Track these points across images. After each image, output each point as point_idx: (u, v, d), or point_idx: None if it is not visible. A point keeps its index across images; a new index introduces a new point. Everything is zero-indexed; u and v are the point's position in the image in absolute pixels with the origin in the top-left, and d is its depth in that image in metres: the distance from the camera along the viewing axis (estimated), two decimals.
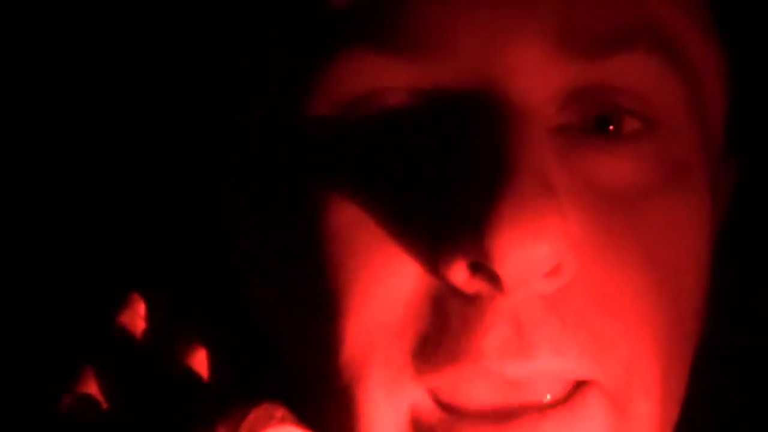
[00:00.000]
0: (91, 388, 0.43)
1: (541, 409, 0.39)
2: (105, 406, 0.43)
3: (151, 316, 0.45)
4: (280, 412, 0.39)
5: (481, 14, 0.40)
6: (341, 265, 0.40)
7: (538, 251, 0.36)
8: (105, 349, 0.44)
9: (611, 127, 0.41)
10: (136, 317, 0.45)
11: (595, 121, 0.41)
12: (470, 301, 0.38)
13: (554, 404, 0.39)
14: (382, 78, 0.41)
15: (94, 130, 0.52)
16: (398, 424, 0.40)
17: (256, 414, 0.38)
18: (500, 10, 0.40)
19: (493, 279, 0.37)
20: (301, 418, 0.40)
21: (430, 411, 0.40)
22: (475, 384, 0.39)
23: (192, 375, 0.43)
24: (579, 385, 0.40)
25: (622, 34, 0.41)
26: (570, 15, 0.40)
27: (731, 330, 0.51)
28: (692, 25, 0.44)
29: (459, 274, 0.38)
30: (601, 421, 0.40)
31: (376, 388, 0.40)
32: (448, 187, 0.39)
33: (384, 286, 0.39)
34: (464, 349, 0.38)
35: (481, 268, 0.37)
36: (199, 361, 0.44)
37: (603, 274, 0.40)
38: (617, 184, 0.41)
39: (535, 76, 0.40)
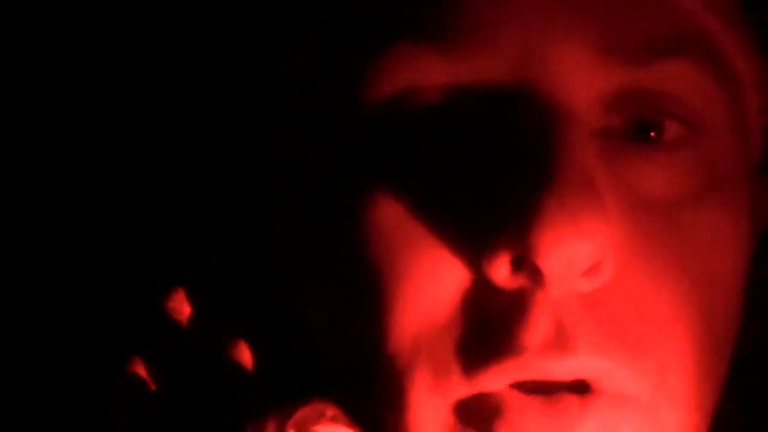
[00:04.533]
0: (140, 369, 0.45)
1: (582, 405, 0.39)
2: (153, 387, 0.44)
3: (196, 307, 0.47)
4: (331, 411, 0.40)
5: (526, 13, 0.40)
6: (387, 263, 0.40)
7: (581, 248, 0.37)
8: (153, 333, 0.46)
9: (652, 134, 0.42)
10: (183, 304, 0.47)
11: (637, 126, 0.42)
12: (512, 298, 0.39)
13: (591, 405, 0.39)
14: (424, 74, 0.41)
15: (141, 132, 0.53)
16: (443, 418, 0.40)
17: (304, 412, 0.39)
18: (545, 12, 0.40)
19: (535, 274, 0.38)
20: (346, 413, 0.41)
21: (474, 404, 0.40)
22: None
23: (238, 365, 0.44)
24: (611, 396, 0.40)
25: (667, 42, 0.42)
26: (615, 21, 0.41)
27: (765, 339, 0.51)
28: (737, 39, 0.45)
29: (501, 270, 0.39)
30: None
31: (421, 383, 0.40)
32: (491, 184, 0.40)
33: (429, 284, 0.40)
34: (507, 344, 0.39)
35: (522, 263, 0.38)
36: (243, 355, 0.45)
37: (639, 279, 0.40)
38: (657, 191, 0.41)
39: (578, 79, 0.40)
